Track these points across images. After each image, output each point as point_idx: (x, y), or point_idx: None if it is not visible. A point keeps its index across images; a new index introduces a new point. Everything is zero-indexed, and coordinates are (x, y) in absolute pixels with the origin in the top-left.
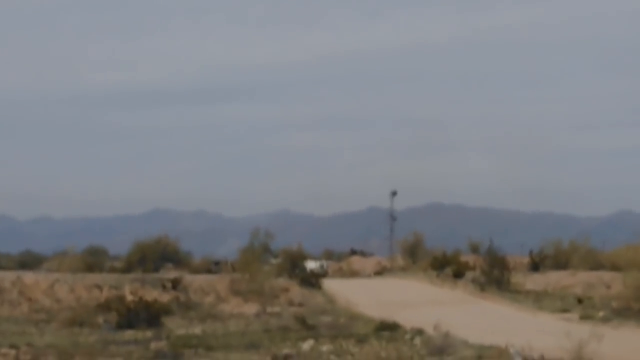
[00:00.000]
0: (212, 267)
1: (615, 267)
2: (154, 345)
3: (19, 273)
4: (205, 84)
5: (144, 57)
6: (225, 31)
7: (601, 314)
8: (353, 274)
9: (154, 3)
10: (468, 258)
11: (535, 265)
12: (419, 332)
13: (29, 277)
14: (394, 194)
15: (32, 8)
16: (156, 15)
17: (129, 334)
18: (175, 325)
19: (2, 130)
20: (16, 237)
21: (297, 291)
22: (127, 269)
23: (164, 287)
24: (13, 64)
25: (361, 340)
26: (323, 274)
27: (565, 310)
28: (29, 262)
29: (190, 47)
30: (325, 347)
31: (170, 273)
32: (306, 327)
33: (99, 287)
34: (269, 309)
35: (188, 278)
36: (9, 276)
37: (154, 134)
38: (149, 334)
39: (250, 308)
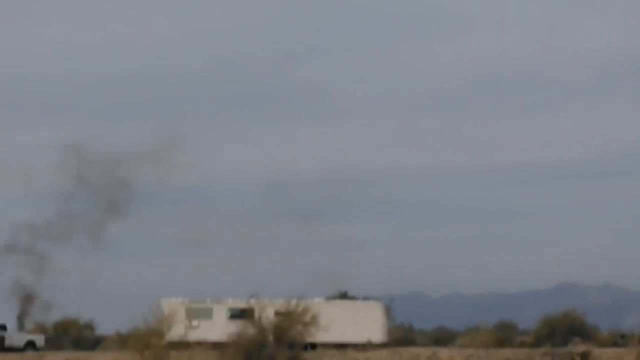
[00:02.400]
0: (619, 340)
1: None
2: None
3: (434, 349)
4: (602, 161)
5: (540, 135)
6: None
7: None
8: None
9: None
10: None
11: None
12: None
13: (443, 353)
14: None
15: (446, 91)
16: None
17: None
18: None
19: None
20: (430, 314)
21: None
22: (536, 343)
23: None
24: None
25: None
26: None
27: None
28: (442, 337)
29: (591, 125)
30: None
31: (578, 347)
32: None
33: None
34: None
35: (596, 352)
36: (424, 352)
37: (560, 211)
38: None
39: None
